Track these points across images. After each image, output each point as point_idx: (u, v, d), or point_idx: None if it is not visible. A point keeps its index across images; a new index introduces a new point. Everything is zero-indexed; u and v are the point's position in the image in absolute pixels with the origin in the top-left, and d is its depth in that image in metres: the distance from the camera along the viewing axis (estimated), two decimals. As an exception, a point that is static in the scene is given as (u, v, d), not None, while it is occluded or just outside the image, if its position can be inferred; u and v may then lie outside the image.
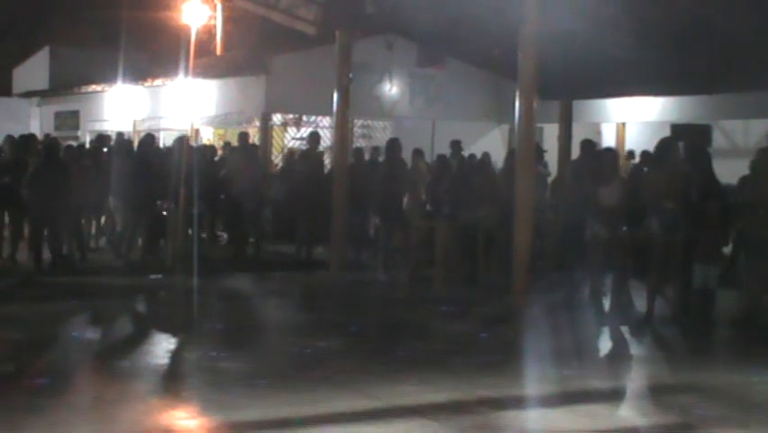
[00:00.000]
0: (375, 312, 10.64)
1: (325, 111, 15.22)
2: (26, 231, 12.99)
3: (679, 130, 16.81)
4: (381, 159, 14.50)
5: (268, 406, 6.54)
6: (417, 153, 16.08)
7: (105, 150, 16.08)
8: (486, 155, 15.32)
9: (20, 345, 8.39)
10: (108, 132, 21.30)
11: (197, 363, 7.94)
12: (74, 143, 18.30)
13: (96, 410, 6.36)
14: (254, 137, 18.11)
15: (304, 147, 16.79)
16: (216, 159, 16.86)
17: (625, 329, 9.70)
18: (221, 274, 12.84)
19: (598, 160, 10.83)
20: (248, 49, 23.25)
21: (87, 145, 17.41)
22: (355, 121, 18.78)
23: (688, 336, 9.54)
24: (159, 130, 20.38)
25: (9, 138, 13.98)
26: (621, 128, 18.66)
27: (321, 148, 15.72)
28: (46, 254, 12.63)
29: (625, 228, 10.32)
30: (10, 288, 11.45)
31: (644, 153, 14.43)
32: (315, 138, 15.07)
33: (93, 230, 15.03)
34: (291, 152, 17.92)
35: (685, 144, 11.18)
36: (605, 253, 10.13)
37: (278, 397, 6.75)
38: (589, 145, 12.09)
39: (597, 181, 10.28)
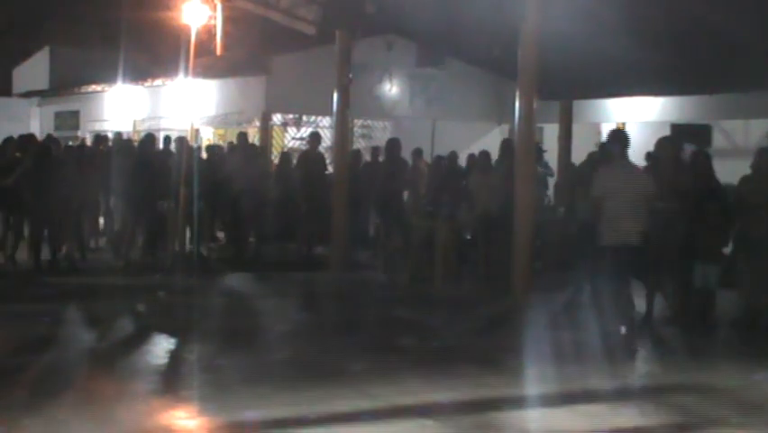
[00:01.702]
0: (375, 312, 10.63)
1: (325, 111, 15.22)
2: (26, 232, 12.98)
3: (679, 130, 16.80)
4: (381, 159, 14.50)
5: (268, 406, 6.54)
6: (417, 153, 16.08)
7: (103, 150, 16.09)
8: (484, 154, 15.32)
9: (20, 345, 8.39)
10: (108, 132, 21.32)
11: (197, 363, 7.94)
12: (73, 143, 18.32)
13: (96, 410, 6.36)
14: (254, 137, 18.11)
15: (304, 147, 16.79)
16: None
17: (625, 329, 9.69)
18: (221, 274, 12.84)
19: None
20: (248, 49, 23.24)
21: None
22: (355, 121, 18.78)
23: (688, 336, 9.54)
24: (159, 130, 20.35)
25: (9, 139, 13.96)
26: (621, 128, 18.62)
27: (321, 148, 15.71)
28: (45, 254, 12.64)
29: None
30: (10, 288, 11.46)
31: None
32: (315, 138, 15.06)
33: (92, 230, 15.03)
34: (288, 151, 17.89)
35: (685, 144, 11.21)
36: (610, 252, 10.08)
37: (279, 397, 6.75)
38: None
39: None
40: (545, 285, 11.20)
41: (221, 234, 16.19)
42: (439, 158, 14.95)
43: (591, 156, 11.75)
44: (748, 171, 10.34)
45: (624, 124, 18.52)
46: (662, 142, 10.27)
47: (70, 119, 25.85)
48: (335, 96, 13.49)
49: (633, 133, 18.08)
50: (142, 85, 21.95)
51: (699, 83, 15.05)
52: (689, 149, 11.60)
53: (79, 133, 24.56)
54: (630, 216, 8.62)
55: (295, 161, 15.50)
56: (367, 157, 16.16)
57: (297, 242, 14.58)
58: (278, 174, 15.62)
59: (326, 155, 16.03)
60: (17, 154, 13.22)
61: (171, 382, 7.27)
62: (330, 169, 15.10)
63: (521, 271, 10.86)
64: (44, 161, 12.50)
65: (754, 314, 9.92)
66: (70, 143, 19.20)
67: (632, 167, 9.10)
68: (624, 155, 9.04)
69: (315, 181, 14.28)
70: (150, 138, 14.95)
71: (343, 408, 6.52)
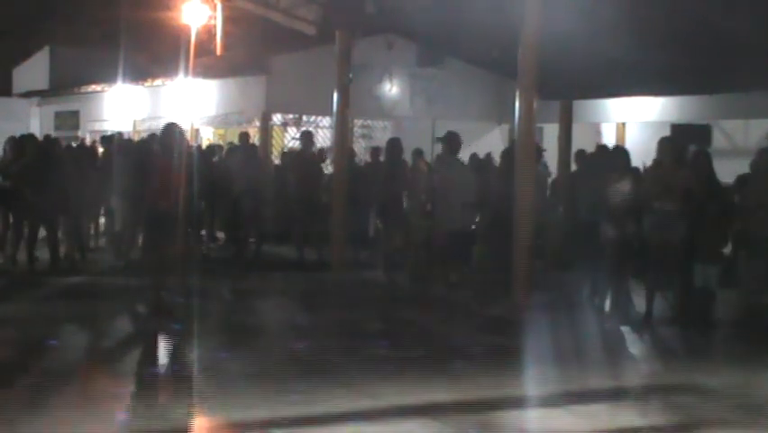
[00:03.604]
0: (375, 312, 10.63)
1: (325, 111, 15.21)
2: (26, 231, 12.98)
3: (679, 130, 16.81)
4: (382, 159, 14.50)
5: (268, 406, 6.54)
6: (417, 153, 16.07)
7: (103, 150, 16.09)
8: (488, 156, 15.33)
9: (19, 345, 8.39)
10: (108, 132, 21.32)
11: (198, 364, 7.93)
12: (73, 143, 18.31)
13: (96, 410, 6.36)
14: (254, 137, 18.11)
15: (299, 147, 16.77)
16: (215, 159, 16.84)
17: (625, 329, 9.71)
18: (221, 274, 12.84)
19: (611, 159, 10.81)
20: (248, 49, 23.26)
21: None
22: (355, 121, 18.78)
23: (688, 336, 9.55)
24: (159, 130, 20.35)
25: (11, 139, 13.98)
26: (621, 128, 18.65)
27: (319, 147, 15.69)
28: (46, 254, 12.63)
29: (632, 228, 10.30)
30: (10, 288, 11.45)
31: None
32: (308, 137, 14.99)
33: (92, 230, 15.03)
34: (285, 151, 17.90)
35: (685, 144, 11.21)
36: (612, 253, 10.10)
37: (279, 397, 6.75)
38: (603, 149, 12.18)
39: (608, 181, 10.25)
40: (545, 285, 11.19)
41: (221, 234, 16.19)
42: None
43: (590, 155, 11.79)
44: (748, 171, 10.35)
45: (624, 123, 18.62)
46: (663, 143, 10.27)
47: (70, 119, 25.85)
48: (335, 96, 13.49)
49: (633, 133, 18.30)
50: (142, 85, 21.95)
51: (699, 83, 15.06)
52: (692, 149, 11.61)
53: (79, 133, 24.57)
54: (459, 206, 10.85)
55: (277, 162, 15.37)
56: (366, 157, 16.15)
57: (296, 242, 14.56)
58: (277, 174, 15.64)
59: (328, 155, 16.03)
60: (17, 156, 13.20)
61: (171, 382, 7.26)
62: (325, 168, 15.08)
63: (521, 271, 10.86)
64: (45, 159, 12.51)
65: (754, 314, 9.93)
66: (72, 143, 19.17)
67: (463, 165, 11.45)
68: (456, 154, 11.25)
69: (309, 181, 14.26)
70: (150, 138, 14.93)
71: (344, 408, 6.52)
